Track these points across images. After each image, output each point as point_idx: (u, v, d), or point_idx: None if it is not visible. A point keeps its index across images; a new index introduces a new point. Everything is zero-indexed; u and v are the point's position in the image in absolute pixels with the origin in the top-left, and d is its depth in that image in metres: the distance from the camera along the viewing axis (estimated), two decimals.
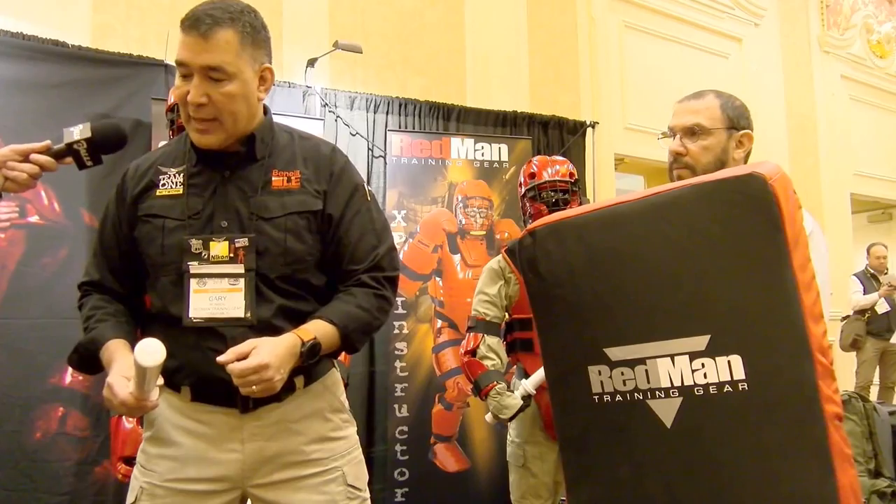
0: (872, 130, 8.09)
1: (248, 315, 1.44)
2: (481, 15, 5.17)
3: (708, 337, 1.26)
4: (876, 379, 6.72)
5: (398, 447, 3.93)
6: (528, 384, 2.51)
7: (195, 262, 1.45)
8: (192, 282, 1.44)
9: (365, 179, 4.27)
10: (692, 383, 1.27)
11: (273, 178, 1.51)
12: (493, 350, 2.58)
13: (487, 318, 2.62)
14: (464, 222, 4.21)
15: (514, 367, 2.79)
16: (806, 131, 7.41)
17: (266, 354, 1.31)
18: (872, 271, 6.80)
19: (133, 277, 1.56)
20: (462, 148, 4.28)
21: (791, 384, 1.22)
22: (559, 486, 2.60)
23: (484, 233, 4.22)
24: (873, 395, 6.42)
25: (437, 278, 4.13)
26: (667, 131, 1.81)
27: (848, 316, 6.72)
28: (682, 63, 6.36)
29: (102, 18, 3.82)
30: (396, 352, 3.98)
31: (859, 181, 7.85)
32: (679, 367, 1.29)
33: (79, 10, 3.75)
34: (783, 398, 1.22)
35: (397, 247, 4.01)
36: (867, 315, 6.58)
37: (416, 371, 4.03)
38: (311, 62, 4.20)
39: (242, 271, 1.45)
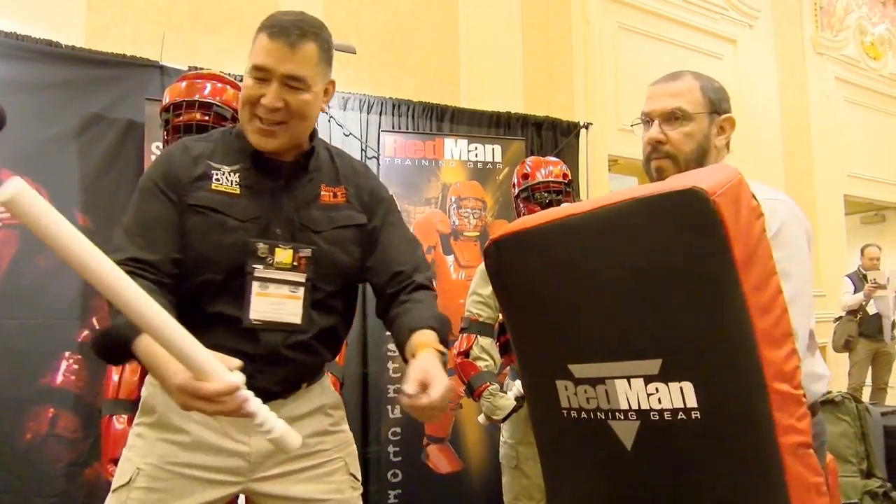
0: (866, 132, 8.13)
1: (303, 323, 1.47)
2: (475, 16, 5.17)
3: (660, 361, 1.19)
4: (868, 380, 6.75)
5: (391, 448, 3.92)
6: (521, 385, 2.51)
7: (260, 266, 1.45)
8: (255, 284, 1.45)
9: None
10: (648, 408, 1.21)
11: (322, 193, 1.55)
12: (486, 351, 2.59)
13: (480, 319, 2.62)
14: (457, 223, 4.20)
15: (507, 368, 2.79)
16: (800, 133, 7.43)
17: (444, 378, 1.26)
18: (864, 272, 6.82)
19: (177, 266, 1.43)
20: (455, 149, 4.26)
21: (740, 416, 1.14)
22: None
23: (477, 234, 4.21)
24: (865, 396, 6.44)
25: None
26: (641, 117, 1.62)
27: (840, 317, 6.74)
28: (677, 64, 6.31)
29: (97, 18, 3.81)
30: (389, 353, 3.97)
31: (853, 182, 7.88)
32: (636, 390, 1.22)
33: (73, 10, 3.73)
34: (733, 430, 1.15)
35: None
36: (858, 316, 6.60)
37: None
38: None
39: (304, 280, 1.48)
